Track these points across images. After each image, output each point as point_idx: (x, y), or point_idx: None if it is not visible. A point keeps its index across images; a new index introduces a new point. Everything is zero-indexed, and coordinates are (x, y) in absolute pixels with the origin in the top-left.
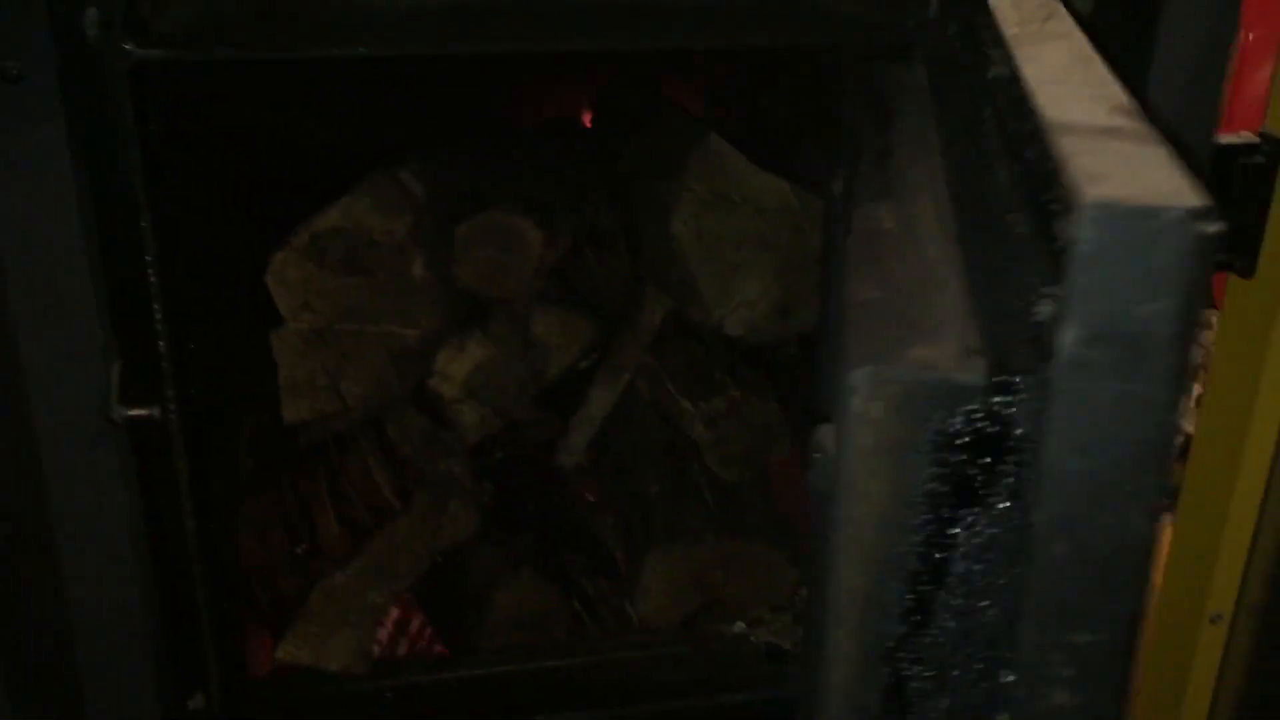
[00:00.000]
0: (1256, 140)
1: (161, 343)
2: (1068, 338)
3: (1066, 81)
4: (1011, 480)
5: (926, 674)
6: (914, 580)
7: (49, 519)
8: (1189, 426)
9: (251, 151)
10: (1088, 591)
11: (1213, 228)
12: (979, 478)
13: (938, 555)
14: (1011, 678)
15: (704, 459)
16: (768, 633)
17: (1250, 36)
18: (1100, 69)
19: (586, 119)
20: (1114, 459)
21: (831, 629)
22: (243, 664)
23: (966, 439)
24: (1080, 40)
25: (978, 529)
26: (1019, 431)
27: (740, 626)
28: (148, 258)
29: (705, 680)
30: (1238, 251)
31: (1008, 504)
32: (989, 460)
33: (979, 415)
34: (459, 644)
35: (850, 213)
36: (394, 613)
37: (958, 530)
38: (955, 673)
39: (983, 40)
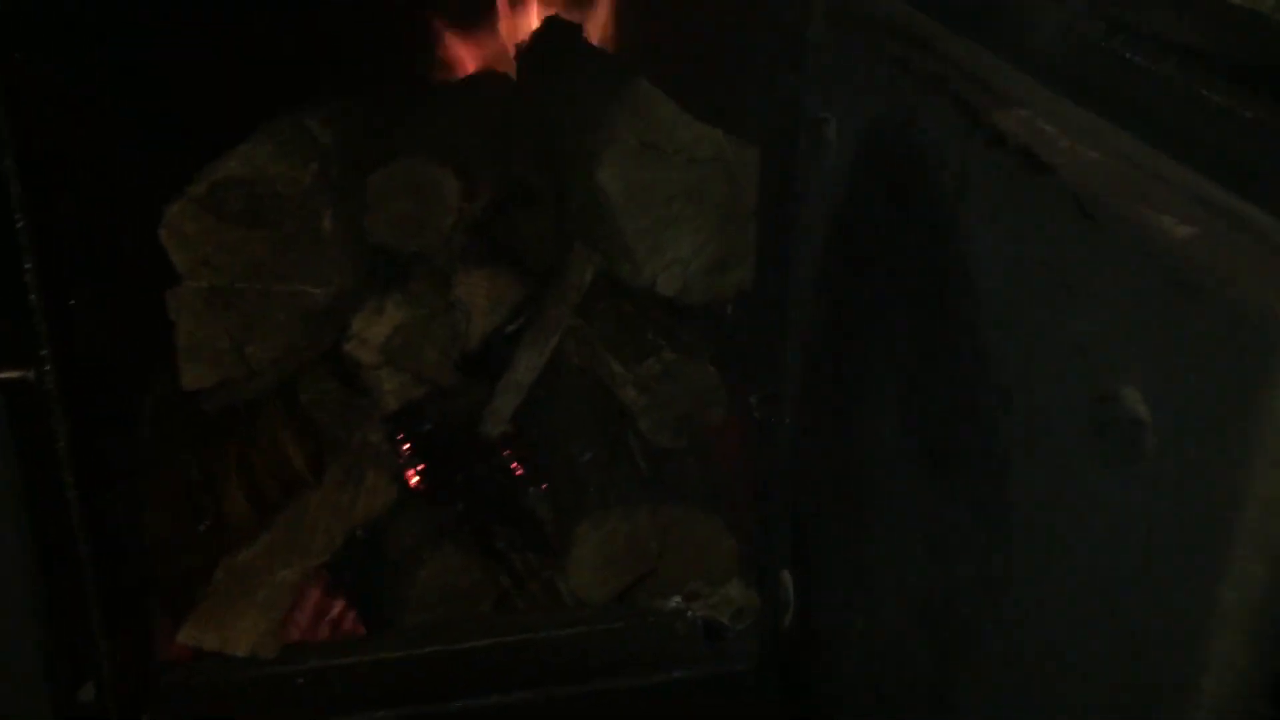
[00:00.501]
0: None
1: (33, 297)
2: None
3: None
4: None
5: None
6: None
7: None
8: None
9: (143, 91)
10: None
11: None
12: None
13: None
14: None
15: (637, 424)
16: (705, 607)
17: None
18: None
19: (510, 71)
20: None
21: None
22: (143, 650)
23: None
24: None
25: None
26: None
27: (677, 601)
28: (15, 202)
29: (640, 658)
30: None
31: None
32: None
33: None
34: (379, 622)
35: None
36: (312, 593)
37: None
38: None
39: None
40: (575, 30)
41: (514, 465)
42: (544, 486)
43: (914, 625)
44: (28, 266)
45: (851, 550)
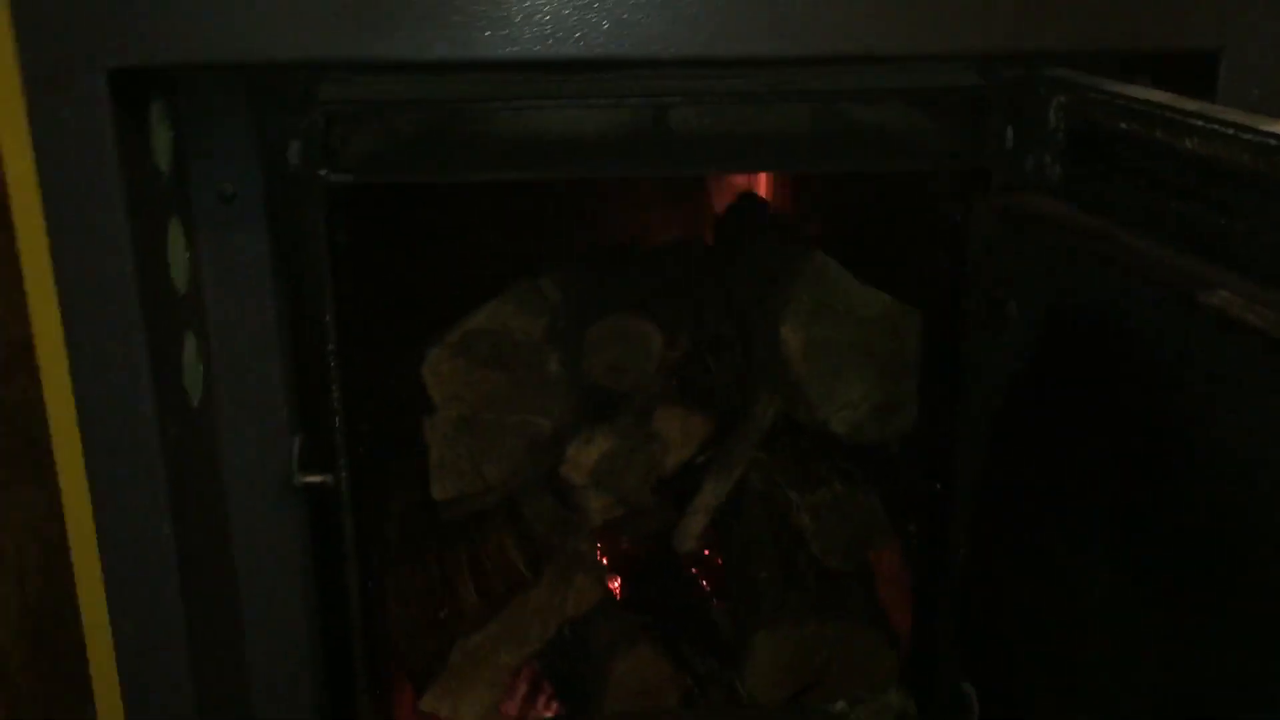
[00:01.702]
0: None
1: (337, 419)
2: None
3: None
4: None
5: None
6: None
7: (235, 569)
8: None
9: (415, 261)
10: None
11: None
12: None
13: None
14: None
15: (810, 547)
16: (866, 711)
17: None
18: None
19: (707, 238)
20: None
21: None
22: (390, 715)
23: None
24: None
25: None
26: None
27: (841, 706)
28: (330, 348)
29: None
30: None
31: None
32: None
33: None
34: (577, 710)
35: None
36: (524, 679)
37: None
38: None
39: None
40: (763, 204)
41: (700, 581)
42: (718, 603)
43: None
44: (335, 394)
45: (1048, 669)
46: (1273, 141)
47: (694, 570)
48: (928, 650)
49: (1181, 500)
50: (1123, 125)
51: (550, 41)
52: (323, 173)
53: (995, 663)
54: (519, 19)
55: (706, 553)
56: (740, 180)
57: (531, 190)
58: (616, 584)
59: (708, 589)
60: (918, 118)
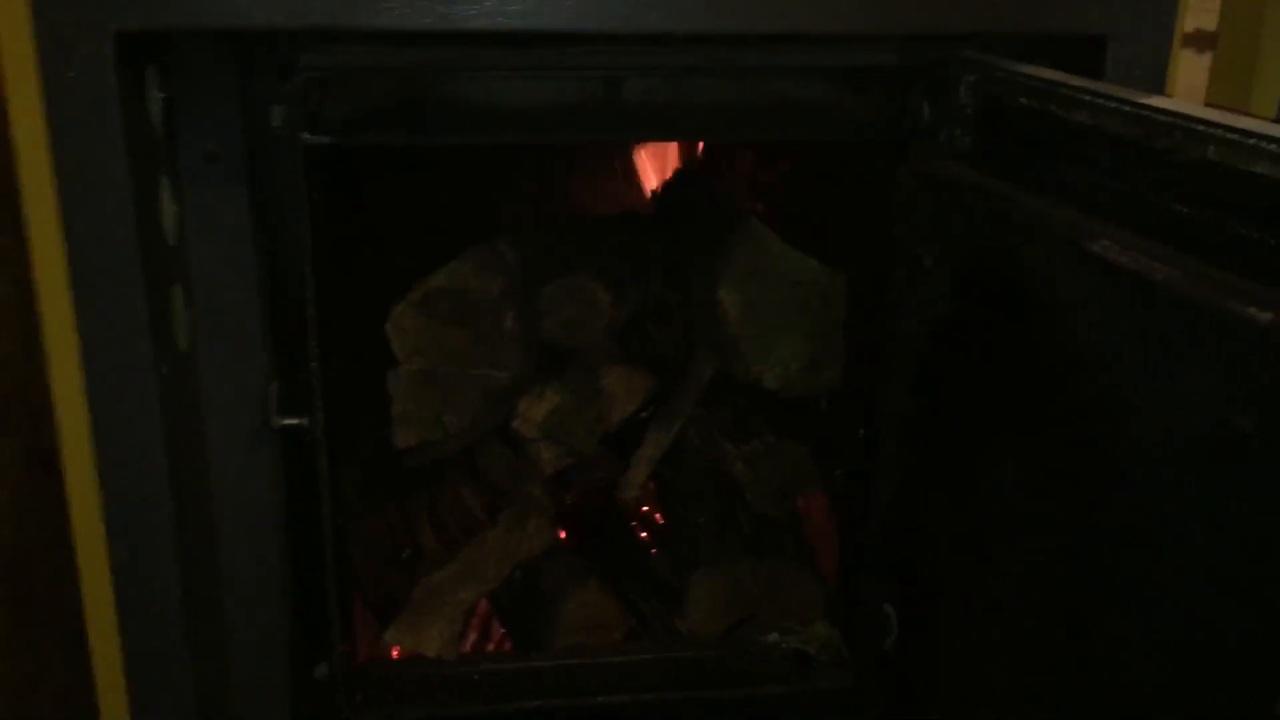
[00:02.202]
0: None
1: (314, 364)
2: None
3: None
4: None
5: None
6: None
7: (213, 509)
8: None
9: (381, 222)
10: None
11: None
12: None
13: None
14: None
15: (745, 494)
16: (796, 640)
17: None
18: None
19: (648, 209)
20: None
21: None
22: (354, 646)
23: None
24: None
25: None
26: None
27: (774, 636)
28: (309, 297)
29: (744, 677)
30: None
31: None
32: None
33: None
34: (527, 645)
35: None
36: (477, 616)
37: None
38: None
39: None
40: (700, 179)
41: (641, 529)
42: (654, 551)
43: (1041, 626)
44: (313, 341)
45: (966, 579)
46: (1148, 113)
47: (635, 521)
48: (852, 582)
49: (1075, 421)
50: (1023, 101)
51: (521, 16)
52: (304, 135)
53: (914, 585)
54: None
55: (645, 509)
56: (678, 157)
57: (492, 158)
58: (564, 533)
59: (648, 537)
60: (846, 93)
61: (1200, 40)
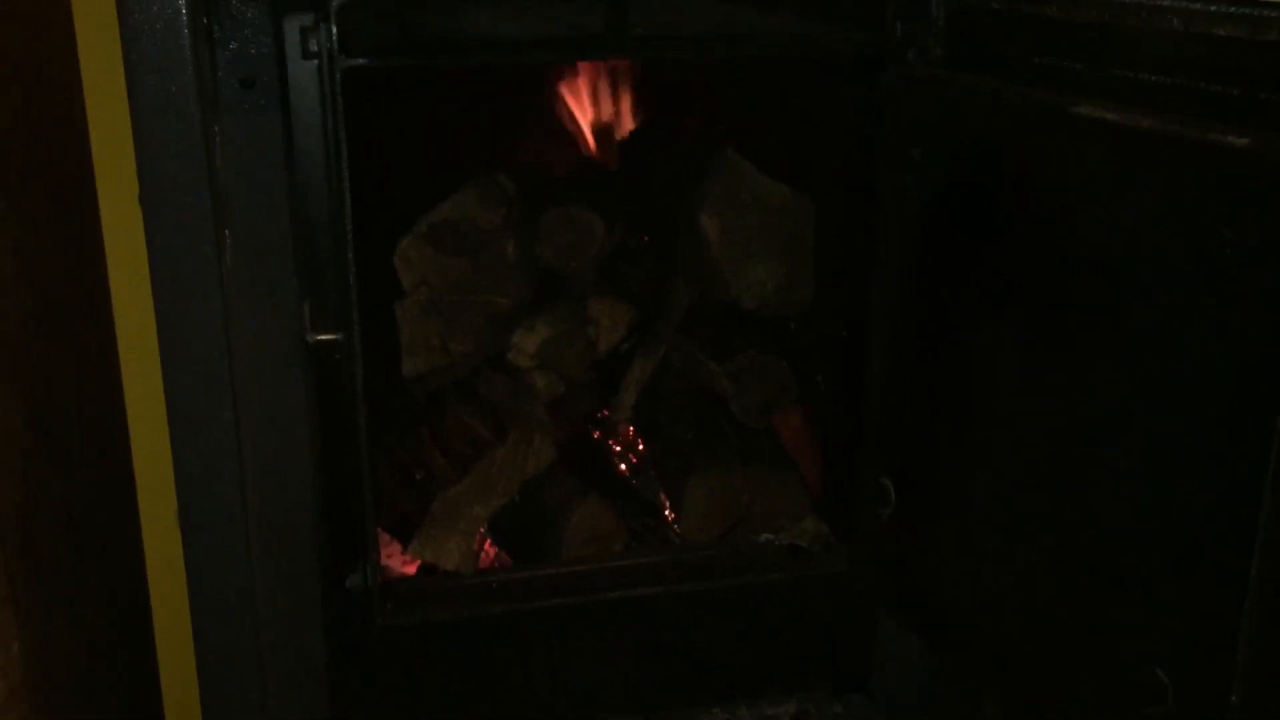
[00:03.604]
0: None
1: (351, 280)
2: None
3: None
4: None
5: None
6: None
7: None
8: None
9: (394, 157)
10: None
11: None
12: None
13: None
14: None
15: (730, 408)
16: (788, 536)
17: None
18: None
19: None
20: None
21: None
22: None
23: None
24: None
25: None
26: None
27: (767, 536)
28: (346, 215)
29: (740, 568)
30: None
31: None
32: None
33: None
34: (535, 559)
35: None
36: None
37: None
38: None
39: None
40: (667, 126)
41: (631, 450)
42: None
43: (1033, 471)
44: (350, 258)
45: (960, 443)
46: None
47: (625, 442)
48: (842, 475)
49: (1069, 276)
50: (994, 4)
51: None
52: (341, 57)
53: (910, 457)
54: None
55: (631, 430)
56: (638, 115)
57: (500, 93)
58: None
59: (635, 461)
60: (828, 16)
61: None
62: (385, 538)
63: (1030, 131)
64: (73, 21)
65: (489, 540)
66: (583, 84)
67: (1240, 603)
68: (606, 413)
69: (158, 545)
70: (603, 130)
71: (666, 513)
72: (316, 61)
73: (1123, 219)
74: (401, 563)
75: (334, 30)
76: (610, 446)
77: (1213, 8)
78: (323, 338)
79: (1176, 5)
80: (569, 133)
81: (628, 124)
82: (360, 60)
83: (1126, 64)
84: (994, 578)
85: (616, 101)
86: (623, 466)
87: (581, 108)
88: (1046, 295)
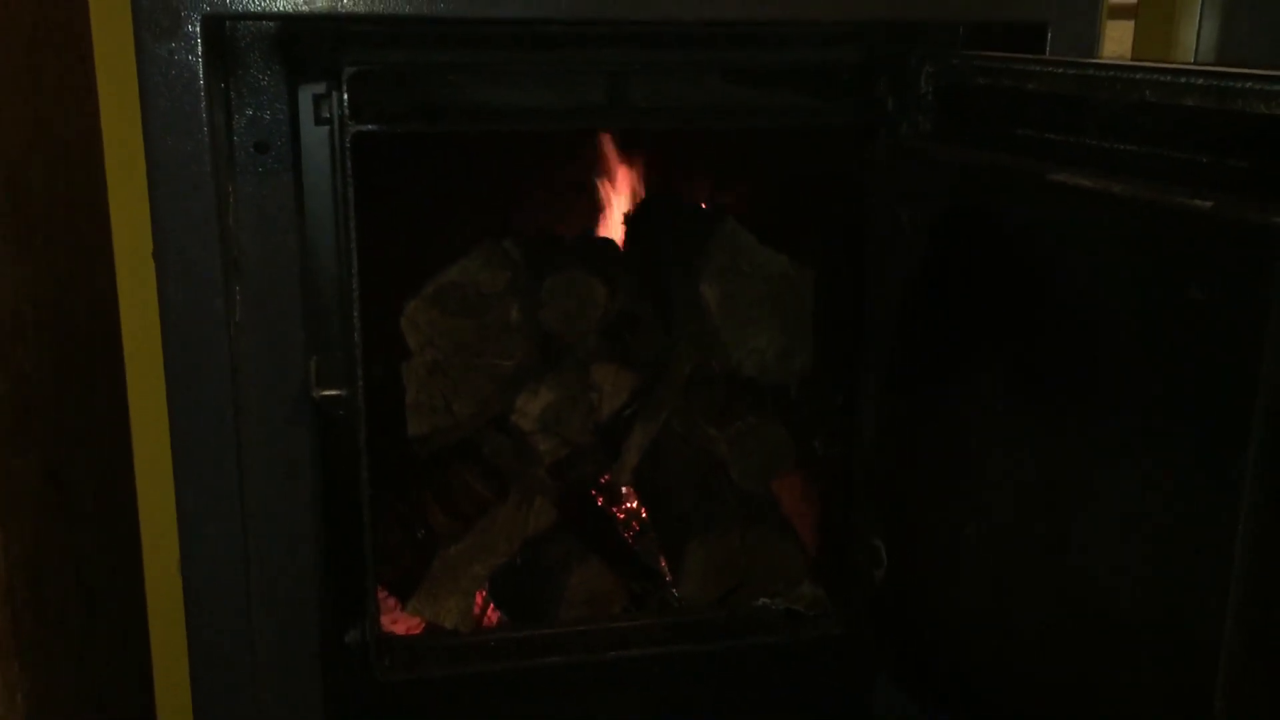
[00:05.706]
0: None
1: (356, 337)
2: None
3: None
4: None
5: None
6: None
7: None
8: None
9: (402, 220)
10: None
11: None
12: None
13: None
14: None
15: (729, 474)
16: (785, 601)
17: None
18: None
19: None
20: None
21: None
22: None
23: None
24: None
25: None
26: None
27: (764, 600)
28: (353, 274)
29: (738, 631)
30: None
31: None
32: None
33: None
34: (533, 619)
35: None
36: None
37: None
38: None
39: None
40: (670, 198)
41: (632, 514)
42: (630, 536)
43: (1022, 526)
44: (355, 315)
45: (950, 502)
46: (1091, 71)
47: (625, 506)
48: (841, 532)
49: (1049, 333)
50: (980, 80)
51: (538, 4)
52: (351, 123)
53: (901, 518)
54: None
55: (630, 504)
56: (643, 188)
57: (506, 160)
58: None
59: (637, 524)
60: (823, 89)
61: (1123, 11)
62: (385, 595)
63: (1010, 197)
64: (96, 88)
65: (490, 602)
66: (587, 153)
67: (1215, 663)
68: (608, 477)
69: (160, 595)
70: (607, 198)
71: (665, 575)
72: (328, 127)
73: (1098, 279)
74: (394, 621)
75: (345, 98)
76: (611, 509)
77: (1182, 80)
78: (328, 393)
79: (1149, 78)
80: (573, 200)
81: (631, 192)
82: (370, 126)
83: (1102, 134)
84: (984, 638)
85: (620, 170)
86: (623, 529)
87: (586, 176)
88: (1028, 354)
